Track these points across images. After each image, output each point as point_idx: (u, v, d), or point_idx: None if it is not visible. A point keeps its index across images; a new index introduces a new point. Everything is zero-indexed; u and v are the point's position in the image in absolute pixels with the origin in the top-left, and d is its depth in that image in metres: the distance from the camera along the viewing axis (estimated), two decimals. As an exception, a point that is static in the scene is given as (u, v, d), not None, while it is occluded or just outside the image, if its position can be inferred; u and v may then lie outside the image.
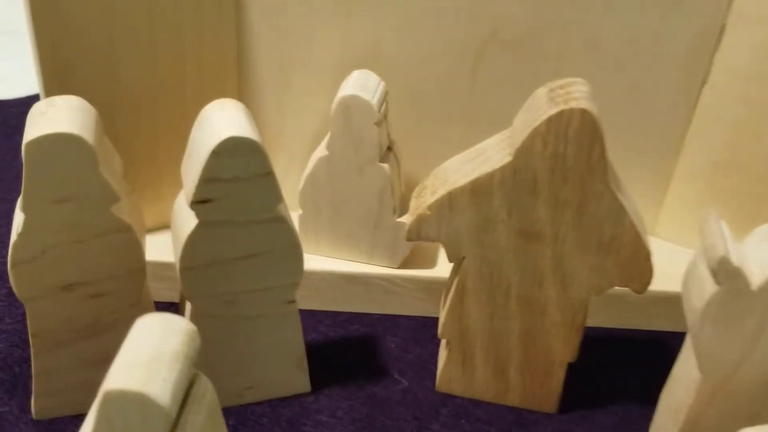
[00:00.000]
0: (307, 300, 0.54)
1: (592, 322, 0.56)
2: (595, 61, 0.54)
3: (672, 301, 0.54)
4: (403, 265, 0.54)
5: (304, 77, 0.54)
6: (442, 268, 0.55)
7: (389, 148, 0.52)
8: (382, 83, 0.51)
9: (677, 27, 0.52)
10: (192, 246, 0.40)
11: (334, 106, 0.49)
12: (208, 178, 0.38)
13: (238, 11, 0.51)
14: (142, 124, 0.51)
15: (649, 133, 0.57)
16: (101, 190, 0.38)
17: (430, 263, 0.55)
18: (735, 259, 0.38)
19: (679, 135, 0.57)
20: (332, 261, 0.54)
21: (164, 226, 0.52)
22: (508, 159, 0.41)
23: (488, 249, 0.44)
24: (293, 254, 0.42)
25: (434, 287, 0.54)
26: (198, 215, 0.39)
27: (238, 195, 0.39)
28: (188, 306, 0.43)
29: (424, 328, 0.55)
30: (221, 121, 0.39)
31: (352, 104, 0.48)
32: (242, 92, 0.54)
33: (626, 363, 0.53)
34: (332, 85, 0.53)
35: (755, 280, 0.38)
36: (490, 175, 0.41)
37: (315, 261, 0.54)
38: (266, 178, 0.39)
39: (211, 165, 0.38)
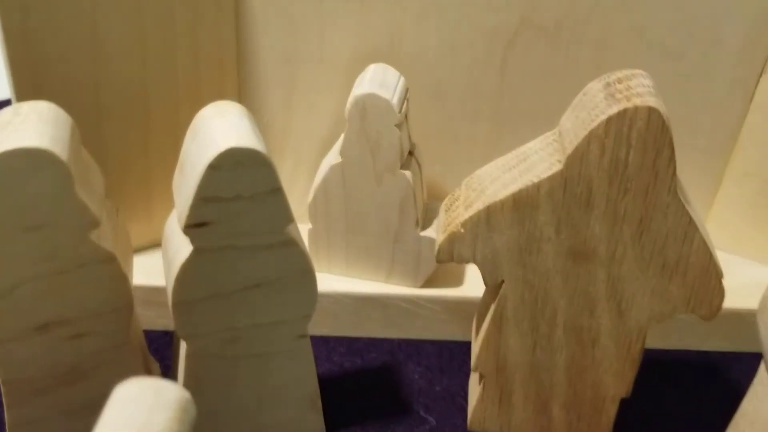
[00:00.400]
0: (319, 325, 0.48)
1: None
2: (641, 49, 0.47)
3: (727, 319, 0.48)
4: (427, 284, 0.48)
5: (313, 72, 0.47)
6: (471, 286, 0.49)
7: (410, 153, 0.46)
8: (402, 79, 0.44)
9: (734, 9, 0.46)
10: (186, 277, 0.34)
11: (348, 106, 0.42)
12: (204, 197, 0.32)
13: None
14: (130, 129, 0.45)
15: (699, 127, 0.51)
16: (78, 215, 0.32)
17: (457, 281, 0.49)
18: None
19: (733, 130, 0.51)
20: (347, 281, 0.48)
21: (156, 244, 0.46)
22: (557, 167, 0.35)
23: (532, 271, 0.37)
24: (306, 282, 0.36)
25: (462, 308, 0.48)
26: (193, 241, 0.33)
27: (240, 216, 0.33)
28: (183, 344, 0.37)
29: (451, 355, 0.49)
30: (219, 128, 0.32)
31: (370, 104, 0.42)
32: (243, 90, 0.48)
33: (679, 391, 0.48)
34: (346, 82, 0.47)
35: None
36: (536, 186, 0.35)
37: (328, 281, 0.48)
38: (274, 195, 0.33)
39: (209, 181, 0.31)
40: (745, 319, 0.49)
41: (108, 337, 0.36)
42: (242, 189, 0.32)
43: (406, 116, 0.44)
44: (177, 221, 0.33)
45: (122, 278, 0.35)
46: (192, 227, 0.33)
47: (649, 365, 0.49)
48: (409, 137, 0.45)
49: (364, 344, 0.49)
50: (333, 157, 0.45)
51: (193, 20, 0.44)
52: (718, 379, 0.49)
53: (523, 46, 0.47)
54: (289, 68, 0.47)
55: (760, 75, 0.48)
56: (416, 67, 0.47)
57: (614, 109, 0.33)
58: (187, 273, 0.34)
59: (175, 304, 0.35)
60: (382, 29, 0.46)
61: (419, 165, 0.47)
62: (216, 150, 0.31)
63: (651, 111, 0.33)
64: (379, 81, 0.43)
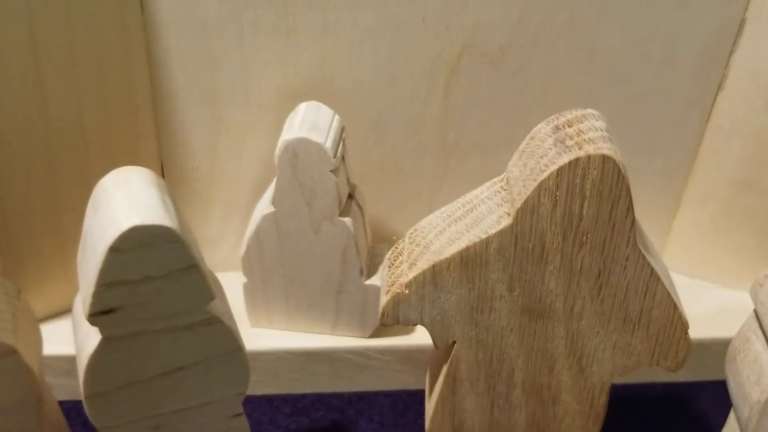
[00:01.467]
0: (261, 385, 0.44)
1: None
2: (591, 72, 0.45)
3: (692, 349, 0.46)
4: (376, 334, 0.45)
5: (239, 112, 0.43)
6: (423, 333, 0.45)
7: (350, 196, 0.42)
8: (337, 117, 0.41)
9: (688, 26, 0.44)
10: (97, 368, 0.30)
11: (277, 152, 0.39)
12: (108, 282, 0.28)
13: (148, 33, 0.41)
14: (34, 187, 0.40)
15: (655, 149, 0.48)
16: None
17: (408, 329, 0.46)
18: (809, 342, 0.29)
19: (691, 151, 0.48)
20: (288, 335, 0.45)
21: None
22: (506, 221, 0.32)
23: (485, 331, 0.34)
24: (235, 360, 0.32)
25: (414, 356, 0.45)
26: (101, 330, 0.29)
27: (153, 298, 0.29)
28: (102, 435, 0.33)
29: (406, 406, 0.45)
30: (121, 202, 0.28)
31: (301, 150, 0.38)
32: (162, 135, 0.44)
33: (644, 426, 0.45)
34: (276, 121, 0.43)
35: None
36: (485, 242, 0.32)
37: (267, 338, 0.44)
38: (189, 272, 0.29)
39: (111, 265, 0.27)
40: (710, 348, 0.47)
41: (14, 434, 0.32)
42: (151, 269, 0.28)
43: (343, 158, 0.41)
44: (82, 307, 0.29)
45: (25, 370, 0.30)
46: (97, 315, 0.29)
47: (613, 401, 0.47)
48: (348, 180, 0.42)
49: (310, 401, 0.45)
50: (265, 206, 0.41)
51: (98, 61, 0.39)
52: (687, 411, 0.47)
53: (466, 74, 0.44)
54: (212, 109, 0.43)
55: (716, 94, 0.46)
56: (352, 101, 0.43)
57: (565, 159, 0.30)
58: (98, 364, 0.30)
59: (86, 396, 0.31)
60: (311, 62, 0.42)
61: (361, 208, 0.43)
62: (117, 230, 0.27)
63: (605, 159, 0.30)
64: (311, 122, 0.39)
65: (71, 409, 0.42)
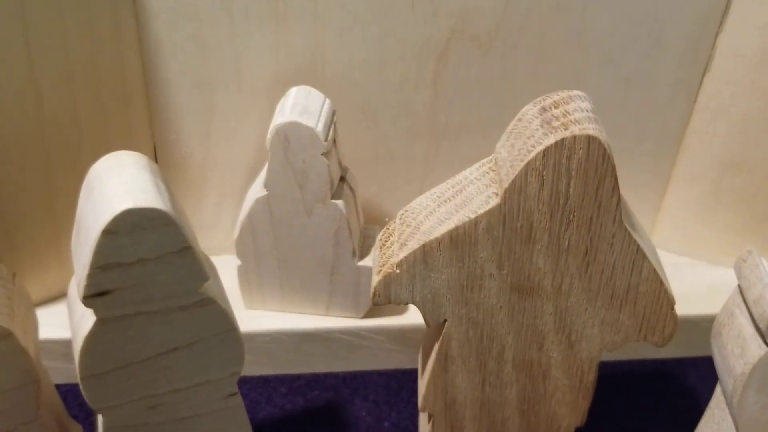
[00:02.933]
0: (257, 365, 0.45)
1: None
2: (579, 55, 0.45)
3: (681, 326, 0.46)
4: (369, 314, 0.45)
5: (231, 98, 0.44)
6: (415, 313, 0.46)
7: (342, 179, 0.43)
8: (328, 101, 0.41)
9: (674, 9, 0.44)
10: (92, 350, 0.30)
11: (269, 136, 0.39)
12: (102, 265, 0.28)
13: (139, 22, 0.41)
14: (28, 175, 0.41)
15: (644, 130, 0.49)
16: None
17: (401, 308, 0.46)
18: (790, 314, 0.30)
19: (678, 132, 0.49)
20: (283, 316, 0.45)
21: (72, 293, 0.42)
22: (495, 201, 0.32)
23: (475, 309, 0.35)
24: (229, 340, 0.33)
25: (407, 335, 0.46)
26: (96, 312, 0.30)
27: (147, 280, 0.30)
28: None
29: (400, 385, 0.46)
30: (115, 185, 0.29)
31: (292, 134, 0.39)
32: (155, 122, 0.44)
33: (635, 402, 0.46)
34: (268, 106, 0.43)
35: (814, 336, 0.30)
36: (474, 222, 0.32)
37: (262, 319, 0.45)
38: (182, 254, 0.30)
39: (105, 248, 0.28)
40: (698, 325, 0.48)
41: (14, 415, 0.32)
42: (145, 252, 0.29)
43: (334, 141, 0.41)
44: (76, 289, 0.30)
45: (22, 354, 0.31)
46: (92, 297, 0.29)
47: (604, 377, 0.47)
48: (339, 163, 0.42)
49: (306, 382, 0.46)
50: (258, 190, 0.41)
51: (90, 51, 0.40)
52: (675, 387, 0.48)
53: (455, 59, 0.44)
54: (204, 95, 0.43)
55: (703, 75, 0.47)
56: (343, 86, 0.44)
57: (551, 139, 0.30)
58: (93, 345, 0.30)
59: (82, 378, 0.31)
60: (302, 48, 0.43)
61: (353, 190, 0.44)
62: (111, 213, 0.28)
63: (590, 140, 0.30)
64: (302, 107, 0.40)
65: (68, 392, 0.43)
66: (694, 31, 0.45)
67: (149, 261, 0.29)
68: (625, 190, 0.52)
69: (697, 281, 0.51)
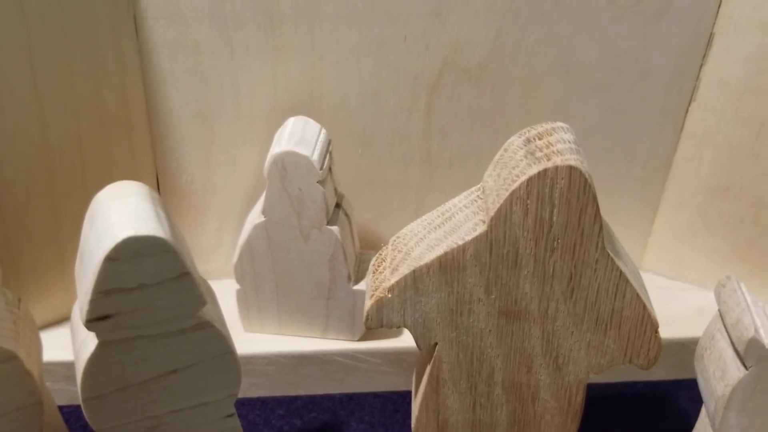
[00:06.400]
0: (255, 387, 0.46)
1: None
2: (568, 85, 0.47)
3: (671, 349, 0.48)
4: (365, 337, 0.47)
5: (231, 127, 0.45)
6: (410, 337, 0.47)
7: (338, 205, 0.44)
8: (324, 131, 0.43)
9: (660, 40, 0.46)
10: (94, 372, 0.32)
11: (267, 165, 0.41)
12: (104, 290, 0.30)
13: (143, 55, 0.43)
14: (34, 201, 0.42)
15: (632, 158, 0.50)
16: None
17: (396, 331, 0.47)
18: (766, 338, 0.31)
19: (666, 158, 0.50)
20: (281, 339, 0.46)
21: (75, 317, 0.44)
22: (482, 228, 0.33)
23: (465, 332, 0.36)
24: (227, 363, 0.34)
25: (403, 358, 0.47)
26: (98, 335, 0.31)
27: (147, 305, 0.31)
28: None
29: (395, 407, 0.47)
30: (117, 214, 0.30)
31: (289, 162, 0.40)
32: (158, 150, 0.46)
33: (628, 424, 0.47)
34: (266, 134, 0.45)
35: (791, 359, 0.31)
36: (462, 249, 0.34)
37: (260, 342, 0.46)
38: (181, 280, 0.31)
39: (107, 274, 0.29)
40: (687, 347, 0.49)
41: (17, 436, 0.34)
42: (145, 278, 0.30)
43: (330, 170, 0.43)
44: (79, 314, 0.31)
45: (26, 376, 0.32)
46: (94, 321, 0.30)
47: (597, 399, 0.48)
48: (335, 190, 0.44)
49: (303, 403, 0.47)
50: (256, 216, 0.43)
51: (95, 82, 0.41)
52: (666, 408, 0.48)
53: (447, 89, 0.46)
54: (204, 124, 0.45)
55: (689, 104, 0.48)
56: (339, 115, 0.45)
57: (534, 169, 0.32)
58: (95, 368, 0.32)
59: (84, 399, 0.32)
60: (299, 80, 0.44)
61: (348, 217, 0.45)
62: (112, 241, 0.29)
63: (572, 170, 0.31)
64: (299, 136, 0.41)
65: (71, 414, 0.44)
66: (680, 61, 0.46)
67: (149, 286, 0.30)
68: (615, 215, 0.54)
69: (687, 304, 0.51)
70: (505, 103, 0.46)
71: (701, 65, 0.47)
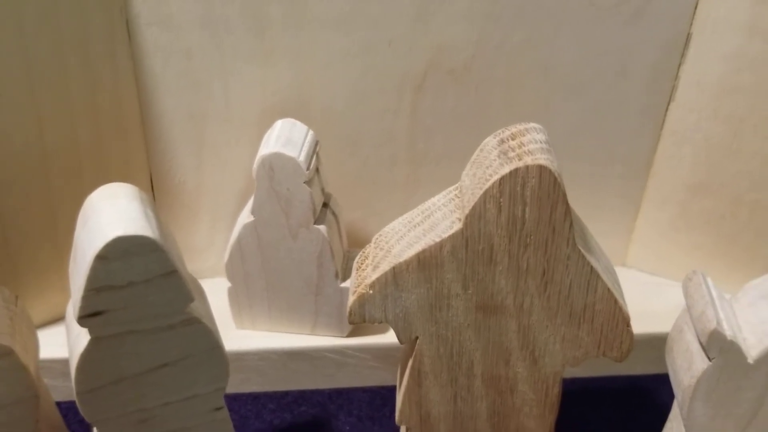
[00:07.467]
0: (247, 383, 0.48)
1: (566, 372, 0.50)
2: (549, 86, 0.48)
3: (651, 343, 0.49)
4: (353, 333, 0.48)
5: (222, 129, 0.47)
6: (397, 332, 0.48)
7: (325, 205, 0.45)
8: (311, 133, 0.44)
9: (638, 40, 0.47)
10: (87, 366, 0.33)
11: (255, 166, 0.42)
12: (95, 287, 0.31)
13: (135, 60, 0.44)
14: (32, 202, 0.44)
15: (614, 157, 0.51)
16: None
17: (384, 328, 0.49)
18: (728, 330, 0.32)
19: (647, 157, 0.51)
20: (271, 336, 0.48)
21: (72, 314, 0.45)
22: (458, 226, 0.35)
23: (444, 326, 0.37)
24: (214, 357, 0.35)
25: (390, 354, 0.48)
26: (90, 331, 0.32)
27: (137, 301, 0.32)
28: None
29: (383, 401, 0.48)
30: (107, 214, 0.32)
31: (276, 164, 0.42)
32: (151, 152, 0.47)
33: (609, 417, 0.48)
34: (256, 135, 0.46)
35: (751, 351, 0.32)
36: (439, 246, 0.35)
37: (251, 338, 0.47)
38: (168, 278, 0.32)
39: (98, 272, 0.31)
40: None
41: (15, 428, 0.35)
42: (134, 276, 0.31)
43: (317, 170, 0.44)
44: (72, 311, 0.33)
45: (22, 370, 0.34)
46: (86, 317, 0.32)
47: (579, 394, 0.50)
48: (323, 190, 0.45)
49: (293, 398, 0.48)
50: (246, 216, 0.44)
51: (90, 86, 0.43)
52: (648, 402, 0.50)
53: (432, 90, 0.47)
54: (196, 126, 0.46)
55: (668, 103, 0.49)
56: (327, 117, 0.47)
57: (506, 169, 0.33)
58: (88, 362, 0.33)
59: (78, 393, 0.34)
60: (288, 83, 0.46)
61: (336, 216, 0.46)
62: (103, 240, 0.30)
63: (542, 169, 0.33)
64: (286, 138, 0.42)
65: (69, 409, 0.46)
66: (659, 62, 0.48)
67: (139, 284, 0.32)
68: (599, 213, 0.55)
69: (669, 300, 0.53)
70: (488, 103, 0.48)
71: (680, 65, 0.48)
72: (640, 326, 0.45)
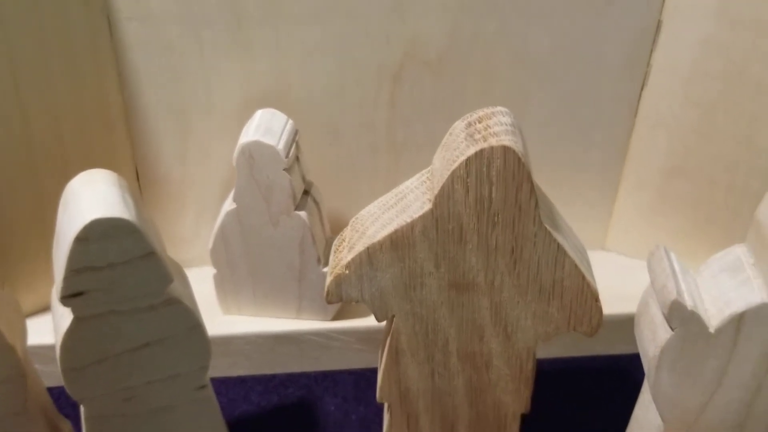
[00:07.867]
0: (235, 367, 0.49)
1: (546, 353, 0.51)
2: (524, 74, 0.49)
3: (631, 323, 0.50)
4: (337, 316, 0.49)
5: (204, 121, 0.48)
6: (380, 315, 0.50)
7: (306, 192, 0.47)
8: (290, 122, 0.45)
9: (611, 29, 0.48)
10: (70, 345, 0.34)
11: (235, 155, 0.43)
12: (76, 268, 0.32)
13: (117, 54, 0.45)
14: (20, 195, 0.45)
15: (590, 144, 0.52)
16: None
17: (367, 311, 0.50)
18: (689, 301, 0.33)
19: (623, 142, 0.53)
20: (257, 321, 0.49)
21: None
22: (428, 207, 0.36)
23: (419, 305, 0.39)
24: (195, 336, 0.37)
25: (375, 336, 0.49)
26: (73, 311, 0.34)
27: (117, 282, 0.34)
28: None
29: (368, 383, 0.50)
30: (86, 199, 0.33)
31: (256, 152, 0.43)
32: (136, 145, 0.48)
33: (589, 397, 0.49)
34: (238, 127, 0.47)
35: (712, 321, 0.33)
36: (410, 226, 0.36)
37: (238, 323, 0.49)
38: (147, 259, 0.33)
39: (78, 253, 0.32)
40: (649, 322, 0.51)
41: (3, 407, 0.36)
42: (114, 257, 0.33)
43: (296, 158, 0.45)
44: (56, 292, 0.34)
45: (9, 351, 0.35)
46: (68, 298, 0.33)
47: (558, 374, 0.51)
48: (303, 177, 0.46)
49: (280, 381, 0.50)
50: (229, 203, 0.46)
51: (73, 81, 0.44)
52: (628, 380, 0.51)
53: (409, 80, 0.48)
54: (179, 120, 0.48)
55: (641, 90, 0.50)
56: (306, 108, 0.48)
57: (472, 150, 0.34)
58: (71, 341, 0.34)
59: (63, 370, 0.35)
60: (267, 75, 0.47)
61: (317, 203, 0.47)
62: (82, 222, 0.32)
63: (506, 150, 0.34)
64: (265, 127, 0.44)
65: (61, 394, 0.47)
66: (631, 49, 0.49)
67: (118, 265, 0.33)
68: (578, 198, 0.56)
69: (647, 282, 0.54)
70: (464, 92, 0.49)
71: (651, 52, 0.49)
72: (618, 307, 0.46)
